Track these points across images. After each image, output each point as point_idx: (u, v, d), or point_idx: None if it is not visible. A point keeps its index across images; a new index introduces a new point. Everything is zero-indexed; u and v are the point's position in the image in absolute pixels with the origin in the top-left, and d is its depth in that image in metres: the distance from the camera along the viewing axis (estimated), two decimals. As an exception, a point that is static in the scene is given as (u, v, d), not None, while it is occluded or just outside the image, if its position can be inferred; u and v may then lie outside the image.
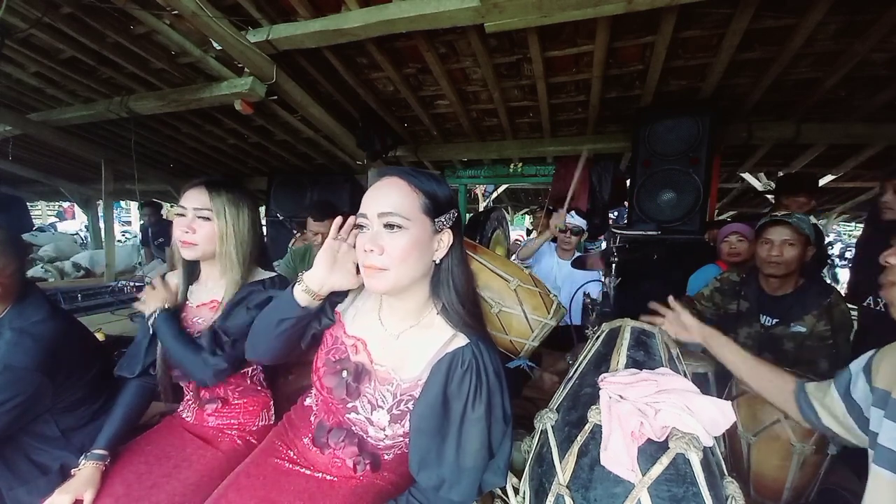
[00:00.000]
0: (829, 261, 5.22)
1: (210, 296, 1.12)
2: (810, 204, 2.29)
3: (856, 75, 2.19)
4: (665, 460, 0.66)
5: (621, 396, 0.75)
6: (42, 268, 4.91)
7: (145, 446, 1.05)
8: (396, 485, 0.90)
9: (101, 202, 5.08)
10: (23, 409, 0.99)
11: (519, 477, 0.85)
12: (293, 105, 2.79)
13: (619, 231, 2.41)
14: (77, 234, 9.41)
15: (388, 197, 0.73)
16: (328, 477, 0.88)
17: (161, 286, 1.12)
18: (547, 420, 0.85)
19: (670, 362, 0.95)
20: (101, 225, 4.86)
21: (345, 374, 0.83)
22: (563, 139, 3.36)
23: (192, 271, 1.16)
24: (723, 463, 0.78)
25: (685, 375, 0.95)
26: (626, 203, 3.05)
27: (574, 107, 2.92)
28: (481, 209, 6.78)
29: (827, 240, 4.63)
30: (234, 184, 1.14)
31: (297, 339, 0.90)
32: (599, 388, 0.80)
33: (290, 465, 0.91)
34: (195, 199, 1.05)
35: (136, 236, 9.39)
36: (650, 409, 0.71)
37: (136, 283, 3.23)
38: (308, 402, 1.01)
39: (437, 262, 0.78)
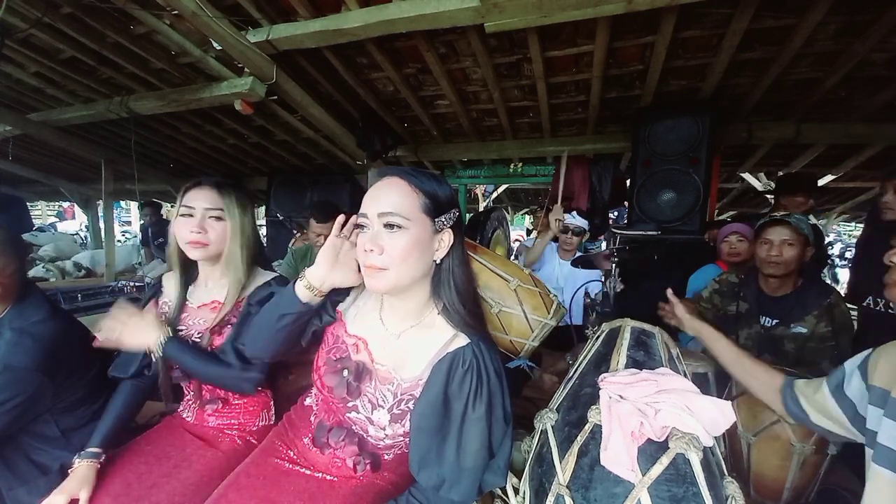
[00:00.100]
0: (829, 261, 5.22)
1: (211, 296, 1.11)
2: (808, 203, 2.29)
3: (856, 75, 2.19)
4: (665, 460, 0.66)
5: (621, 396, 0.75)
6: (43, 267, 4.91)
7: (145, 446, 1.05)
8: (396, 485, 0.90)
9: (101, 202, 5.08)
10: (23, 409, 0.99)
11: (519, 477, 0.85)
12: (293, 105, 2.79)
13: (619, 231, 2.41)
14: (77, 234, 9.41)
15: (389, 197, 0.74)
16: (328, 477, 0.89)
17: (151, 315, 1.04)
18: (547, 420, 0.85)
19: (670, 362, 0.95)
20: (101, 225, 4.86)
21: (346, 373, 0.83)
22: (563, 139, 3.36)
23: (189, 272, 1.14)
24: (723, 463, 0.78)
25: (685, 375, 0.95)
26: (626, 203, 3.05)
27: (574, 107, 2.92)
28: (481, 209, 6.78)
29: (827, 240, 4.64)
30: (236, 184, 1.15)
31: (297, 337, 0.90)
32: (599, 388, 0.80)
33: (290, 465, 0.91)
34: (205, 198, 1.04)
35: (136, 236, 9.38)
36: (650, 409, 0.71)
37: (136, 283, 3.23)
38: (308, 401, 1.01)
39: (438, 262, 0.78)
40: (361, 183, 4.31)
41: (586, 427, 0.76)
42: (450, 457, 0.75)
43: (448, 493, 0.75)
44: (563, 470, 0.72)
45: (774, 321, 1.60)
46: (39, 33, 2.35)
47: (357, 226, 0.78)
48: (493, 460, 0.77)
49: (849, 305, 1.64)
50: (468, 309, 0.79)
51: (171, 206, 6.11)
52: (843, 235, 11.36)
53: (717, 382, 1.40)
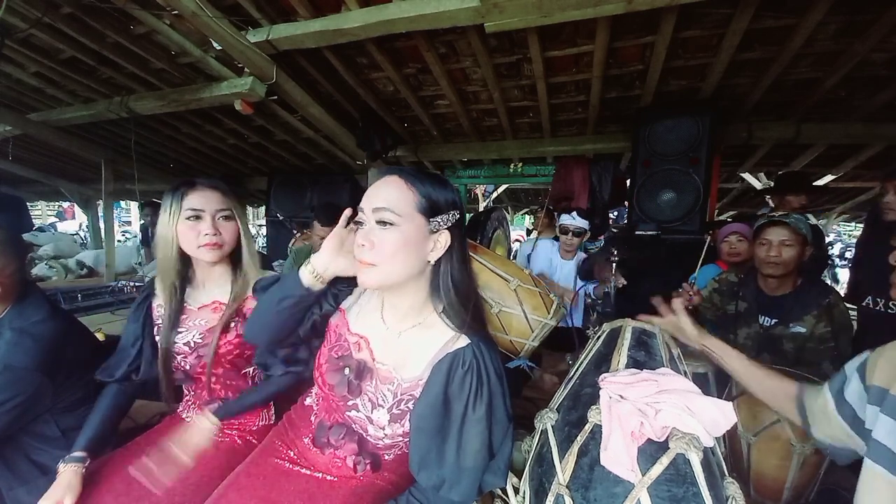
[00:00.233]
0: (829, 262, 5.22)
1: (211, 297, 1.11)
2: (799, 201, 2.32)
3: (856, 75, 2.19)
4: (665, 460, 0.66)
5: (621, 396, 0.75)
6: (46, 264, 4.93)
7: (145, 446, 1.04)
8: (397, 485, 0.90)
9: (101, 202, 5.08)
10: (23, 409, 0.99)
11: (519, 477, 0.85)
12: (293, 105, 2.79)
13: (619, 231, 2.41)
14: (77, 234, 9.41)
15: (384, 193, 0.74)
16: (328, 477, 0.89)
17: (194, 425, 1.03)
18: (547, 420, 0.85)
19: (671, 362, 0.96)
20: (101, 225, 4.86)
21: (347, 371, 0.83)
22: (563, 139, 3.36)
23: (186, 275, 1.12)
24: (723, 463, 0.78)
25: (686, 375, 0.95)
26: (626, 203, 3.05)
27: (574, 107, 2.92)
28: (481, 209, 6.77)
29: (827, 240, 4.64)
30: (233, 183, 1.15)
31: (296, 324, 0.90)
32: (600, 388, 0.80)
33: (291, 465, 0.91)
34: (212, 200, 1.04)
35: (136, 236, 9.38)
36: (650, 409, 0.71)
37: (136, 283, 3.24)
38: (308, 401, 1.01)
39: (433, 262, 0.77)
40: (361, 183, 4.31)
41: (586, 427, 0.76)
42: (450, 457, 0.75)
43: (448, 493, 0.75)
44: (563, 470, 0.72)
45: (773, 321, 1.60)
46: (39, 33, 2.35)
47: (356, 222, 0.78)
48: (494, 461, 0.77)
49: (848, 305, 1.64)
50: (468, 311, 0.79)
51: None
52: (843, 235, 11.36)
53: (718, 382, 1.41)
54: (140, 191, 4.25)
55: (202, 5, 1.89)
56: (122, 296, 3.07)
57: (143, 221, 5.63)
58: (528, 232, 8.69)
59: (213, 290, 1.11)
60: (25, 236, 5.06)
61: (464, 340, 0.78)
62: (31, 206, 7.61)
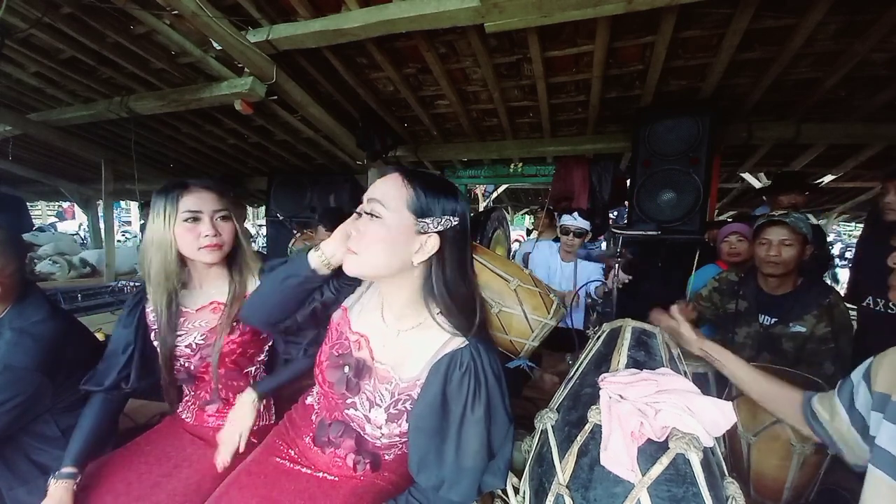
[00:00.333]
0: (831, 262, 5.23)
1: (209, 298, 1.10)
2: (790, 200, 2.35)
3: (856, 75, 2.19)
4: (665, 460, 0.66)
5: (621, 396, 0.75)
6: (50, 260, 4.92)
7: (145, 446, 1.05)
8: (397, 485, 0.90)
9: (101, 202, 5.08)
10: (23, 409, 0.99)
11: (519, 477, 0.85)
12: (293, 105, 2.78)
13: (619, 231, 2.41)
14: (76, 234, 9.41)
15: (381, 187, 0.76)
16: (329, 476, 0.89)
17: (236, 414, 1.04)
18: (547, 420, 0.85)
19: (671, 362, 0.95)
20: (101, 225, 4.86)
21: (346, 369, 0.84)
22: (563, 139, 3.35)
23: (181, 277, 1.09)
24: (723, 463, 0.78)
25: (686, 375, 0.95)
26: (626, 203, 3.05)
27: (574, 107, 2.92)
28: (481, 209, 6.78)
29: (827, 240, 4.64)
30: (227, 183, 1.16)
31: (295, 305, 0.89)
32: (600, 388, 0.80)
33: (291, 465, 0.91)
34: (209, 201, 1.03)
35: (135, 236, 9.39)
36: (650, 409, 0.71)
37: (136, 283, 3.23)
38: (309, 400, 1.01)
39: (416, 263, 0.76)
40: (361, 183, 4.31)
41: (586, 427, 0.76)
42: (449, 458, 0.75)
43: (447, 493, 0.75)
44: (563, 470, 0.72)
45: (773, 320, 1.60)
46: (39, 33, 2.34)
47: (358, 213, 0.79)
48: (494, 461, 0.77)
49: (848, 305, 1.64)
50: (467, 317, 0.78)
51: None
52: (843, 235, 11.36)
53: (718, 383, 1.41)
54: (140, 191, 4.24)
55: (202, 5, 1.89)
56: (122, 296, 3.07)
57: (143, 221, 5.63)
58: (528, 232, 8.70)
59: (210, 291, 1.11)
60: (25, 236, 5.06)
61: (462, 342, 0.78)
62: (31, 206, 7.61)
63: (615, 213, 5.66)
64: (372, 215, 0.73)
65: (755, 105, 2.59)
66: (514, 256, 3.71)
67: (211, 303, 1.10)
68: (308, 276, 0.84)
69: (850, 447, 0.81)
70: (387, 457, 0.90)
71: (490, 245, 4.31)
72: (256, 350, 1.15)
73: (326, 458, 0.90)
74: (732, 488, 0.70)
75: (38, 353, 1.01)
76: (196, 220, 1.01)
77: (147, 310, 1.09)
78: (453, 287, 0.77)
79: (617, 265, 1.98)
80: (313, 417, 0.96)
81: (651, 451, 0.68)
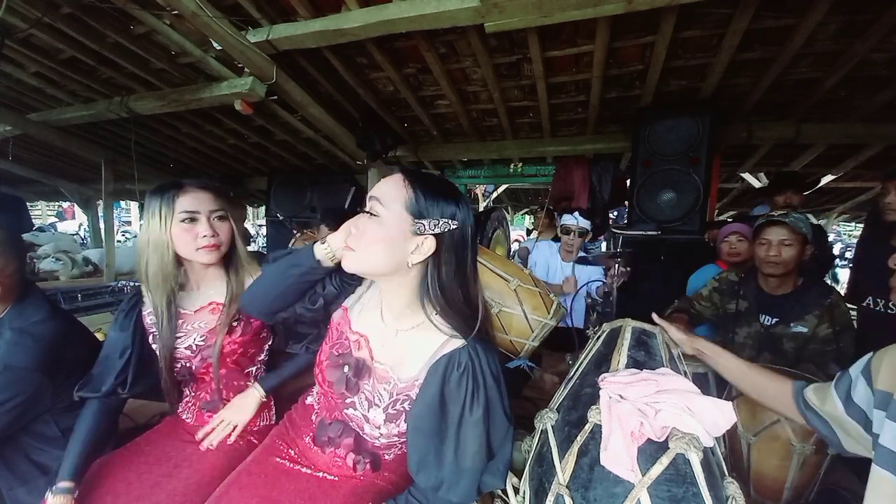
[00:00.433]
0: (833, 262, 5.22)
1: (207, 299, 1.10)
2: (785, 199, 2.37)
3: (856, 75, 2.19)
4: (665, 460, 0.66)
5: (621, 396, 0.75)
6: (53, 257, 4.92)
7: (145, 446, 1.05)
8: (396, 484, 0.90)
9: (101, 202, 5.07)
10: (23, 409, 0.99)
11: (519, 477, 0.86)
12: (293, 105, 2.78)
13: (619, 231, 2.41)
14: (76, 234, 9.41)
15: (382, 186, 0.76)
16: (329, 476, 0.89)
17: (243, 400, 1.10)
18: (547, 420, 0.85)
19: (671, 362, 0.95)
20: (101, 225, 4.86)
21: (346, 368, 0.84)
22: (563, 139, 3.35)
23: (178, 279, 1.08)
24: (723, 463, 0.78)
25: (686, 376, 0.95)
26: (626, 203, 3.05)
27: (574, 107, 2.92)
28: (481, 209, 6.78)
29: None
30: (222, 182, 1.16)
31: (295, 296, 0.89)
32: (600, 388, 0.80)
33: (291, 465, 0.91)
34: (205, 201, 1.02)
35: (135, 236, 9.39)
36: (650, 409, 0.71)
37: (136, 283, 3.23)
38: (309, 400, 1.01)
39: (411, 265, 0.75)
40: (361, 183, 4.31)
41: (586, 427, 0.76)
42: (448, 458, 0.75)
43: (447, 494, 0.75)
44: (563, 470, 0.72)
45: (774, 320, 1.60)
46: (39, 33, 2.34)
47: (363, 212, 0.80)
48: (493, 462, 0.77)
49: (849, 306, 1.64)
50: (466, 321, 0.78)
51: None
52: (843, 235, 11.36)
53: (718, 383, 1.41)
54: (140, 191, 4.23)
55: (202, 5, 1.89)
56: (122, 296, 3.06)
57: (143, 221, 5.63)
58: (529, 232, 8.70)
59: (207, 292, 1.10)
60: (25, 236, 5.06)
61: (460, 342, 0.78)
62: (31, 206, 7.61)
63: (615, 213, 5.66)
64: (371, 214, 0.74)
65: (755, 105, 2.59)
66: (513, 256, 3.71)
67: (210, 303, 1.10)
68: (312, 266, 0.84)
69: (846, 430, 0.80)
70: (386, 457, 0.90)
71: (490, 245, 4.31)
72: (257, 350, 1.15)
73: (326, 457, 0.90)
74: (732, 488, 0.70)
75: (38, 353, 1.01)
76: (193, 220, 1.00)
77: (144, 312, 1.07)
78: (449, 290, 0.77)
79: (617, 264, 1.99)
80: (313, 417, 0.96)
81: (651, 451, 0.68)
